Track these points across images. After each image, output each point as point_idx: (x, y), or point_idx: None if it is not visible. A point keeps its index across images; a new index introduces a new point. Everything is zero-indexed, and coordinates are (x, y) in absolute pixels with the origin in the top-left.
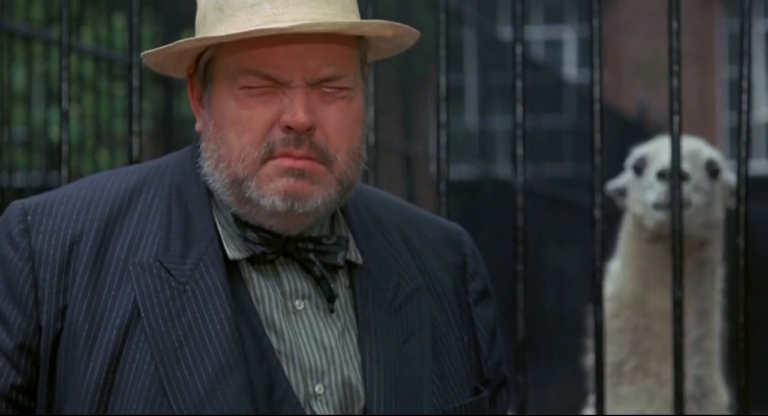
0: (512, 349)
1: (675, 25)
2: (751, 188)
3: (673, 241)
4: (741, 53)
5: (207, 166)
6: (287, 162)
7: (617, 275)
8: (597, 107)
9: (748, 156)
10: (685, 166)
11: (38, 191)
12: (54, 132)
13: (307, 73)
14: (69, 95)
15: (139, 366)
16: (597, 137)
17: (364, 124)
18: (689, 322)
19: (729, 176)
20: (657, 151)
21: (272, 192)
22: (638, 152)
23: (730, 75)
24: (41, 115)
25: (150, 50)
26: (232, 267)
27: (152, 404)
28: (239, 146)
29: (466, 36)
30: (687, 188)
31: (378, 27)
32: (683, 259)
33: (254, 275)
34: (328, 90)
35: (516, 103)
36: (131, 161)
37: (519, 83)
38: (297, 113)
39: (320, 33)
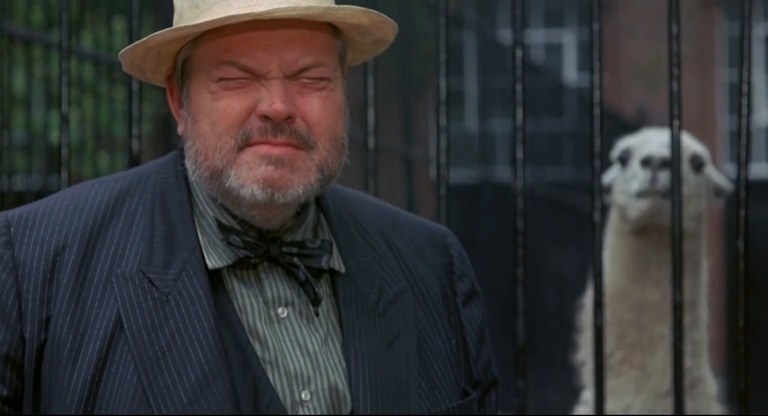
0: (512, 352)
1: (675, 28)
2: (750, 191)
3: (673, 244)
4: (741, 57)
5: (189, 165)
6: (265, 148)
7: (605, 269)
8: (597, 110)
9: (748, 160)
10: (668, 152)
11: (38, 194)
12: (54, 135)
13: (285, 65)
14: (69, 99)
15: (122, 376)
16: (597, 140)
17: (346, 116)
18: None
19: (712, 172)
20: (642, 141)
21: (251, 181)
22: (623, 143)
23: (730, 78)
24: (41, 118)
25: (126, 47)
26: (214, 277)
27: (136, 413)
28: (215, 136)
29: (466, 39)
30: (668, 175)
31: (353, 13)
32: (682, 262)
33: (237, 284)
34: (306, 80)
35: (516, 106)
36: (131, 165)
37: (519, 87)
38: (274, 103)
39: (298, 21)
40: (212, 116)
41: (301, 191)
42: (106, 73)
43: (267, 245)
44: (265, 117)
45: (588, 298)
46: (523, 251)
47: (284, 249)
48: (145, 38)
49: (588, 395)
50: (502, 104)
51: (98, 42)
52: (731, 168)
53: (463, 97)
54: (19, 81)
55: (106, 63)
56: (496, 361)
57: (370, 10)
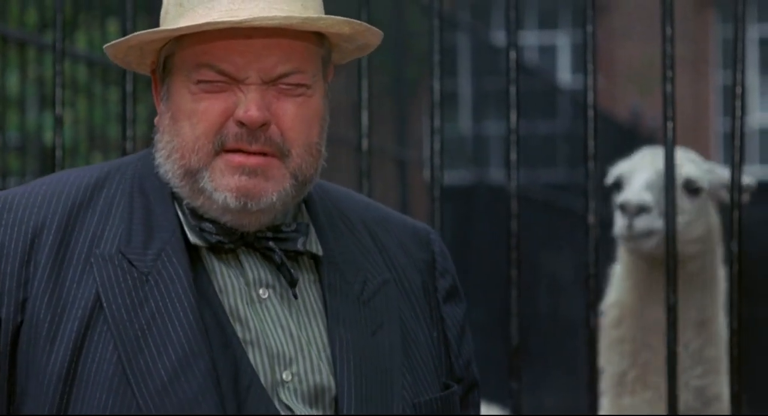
0: (506, 354)
1: (669, 30)
2: (744, 193)
3: (667, 248)
4: (735, 59)
5: (159, 156)
6: (238, 158)
7: (618, 282)
8: (591, 112)
9: (741, 162)
10: (646, 196)
11: None
12: (48, 137)
13: (263, 71)
14: (63, 100)
15: (102, 355)
16: (591, 142)
17: (325, 121)
18: (688, 334)
19: (723, 173)
20: (632, 171)
21: (225, 188)
22: (616, 170)
23: (724, 81)
24: (35, 119)
25: (110, 43)
26: (195, 257)
27: (116, 393)
28: (193, 137)
29: (460, 41)
30: (646, 219)
31: (334, 23)
32: (677, 266)
33: (217, 265)
34: (284, 87)
35: (510, 108)
36: None
37: (513, 89)
38: (250, 109)
39: (278, 29)
40: (192, 117)
41: (275, 198)
42: (100, 74)
43: (240, 232)
44: (241, 123)
45: (606, 305)
46: (517, 253)
47: (259, 234)
48: (126, 37)
49: (605, 402)
50: (496, 106)
51: (92, 43)
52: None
53: (457, 98)
54: (13, 82)
55: (100, 64)
56: (490, 362)
57: (353, 20)
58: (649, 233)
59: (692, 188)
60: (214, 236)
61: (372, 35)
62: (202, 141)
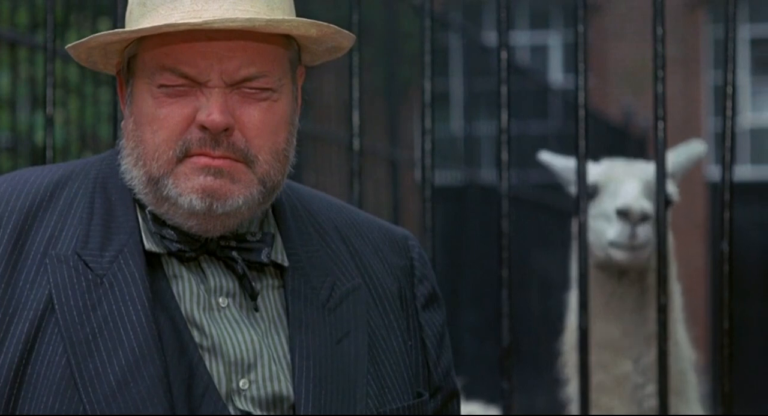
0: (497, 354)
1: (660, 30)
2: (735, 193)
3: (659, 246)
4: (726, 59)
5: (125, 164)
6: (204, 160)
7: (573, 305)
8: (582, 112)
9: (732, 161)
10: (646, 204)
11: None
12: (39, 137)
13: (225, 74)
14: (54, 100)
15: (51, 358)
16: (582, 142)
17: (292, 125)
18: (639, 348)
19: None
20: (609, 179)
21: (189, 190)
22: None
23: (715, 80)
24: (26, 119)
25: (72, 43)
26: (155, 263)
27: (62, 396)
28: (154, 145)
29: (452, 41)
30: (647, 229)
31: (300, 25)
32: (667, 267)
33: (178, 271)
34: (248, 90)
35: (501, 108)
36: None
37: (504, 89)
38: (212, 113)
39: (242, 31)
40: (153, 124)
41: (241, 202)
42: (92, 74)
43: (203, 238)
44: (203, 127)
45: (572, 313)
46: (508, 253)
47: (222, 243)
48: (86, 39)
49: (573, 408)
50: (487, 106)
51: None
52: (716, 170)
53: (448, 99)
54: (4, 82)
55: None
56: (481, 362)
57: (320, 22)
58: (648, 243)
59: (667, 201)
60: (174, 243)
61: (343, 38)
62: (163, 148)
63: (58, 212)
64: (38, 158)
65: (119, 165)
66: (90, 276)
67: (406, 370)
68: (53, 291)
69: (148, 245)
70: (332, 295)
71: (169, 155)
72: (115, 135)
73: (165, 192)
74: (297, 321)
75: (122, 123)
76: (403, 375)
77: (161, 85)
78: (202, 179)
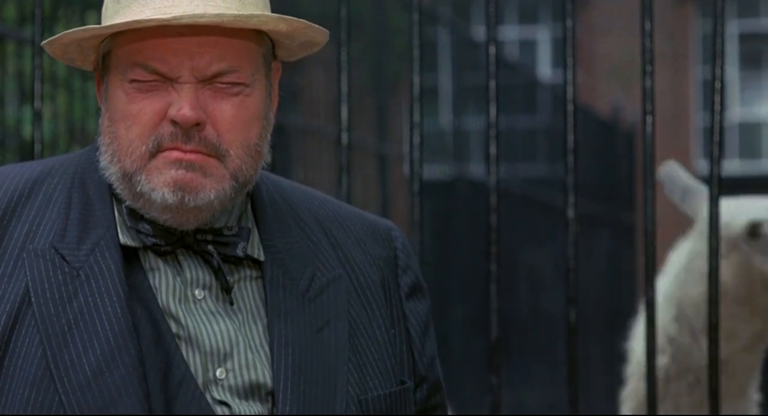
0: (485, 349)
1: (648, 25)
2: (723, 188)
3: (646, 240)
4: (714, 54)
5: (102, 160)
6: (176, 154)
7: (691, 299)
8: (570, 107)
9: (720, 156)
10: None
11: None
12: (27, 131)
13: (196, 70)
14: (42, 94)
15: (27, 350)
16: (570, 137)
17: (266, 121)
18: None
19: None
20: None
21: (162, 184)
22: (747, 215)
23: (703, 75)
24: (14, 114)
25: (47, 40)
26: (132, 256)
27: (38, 388)
28: (127, 140)
29: (440, 36)
30: None
31: (268, 20)
32: (655, 260)
33: (155, 263)
34: (220, 86)
35: (489, 103)
36: None
37: (492, 83)
38: (183, 108)
39: (213, 27)
40: (126, 119)
41: (213, 196)
42: (80, 68)
43: (179, 232)
44: (174, 122)
45: (635, 341)
46: (497, 247)
47: (198, 237)
48: (58, 35)
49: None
50: (476, 101)
51: None
52: (704, 165)
53: (437, 93)
54: None
55: None
56: (470, 357)
57: (290, 17)
58: None
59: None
60: (150, 237)
61: (315, 33)
62: (136, 144)
63: (36, 207)
64: (26, 152)
65: (98, 161)
66: (66, 269)
67: (389, 359)
68: (30, 284)
69: (124, 239)
70: (312, 285)
71: (142, 150)
72: None
73: (138, 188)
74: (275, 310)
75: (99, 119)
76: (386, 364)
77: (133, 81)
78: (173, 173)
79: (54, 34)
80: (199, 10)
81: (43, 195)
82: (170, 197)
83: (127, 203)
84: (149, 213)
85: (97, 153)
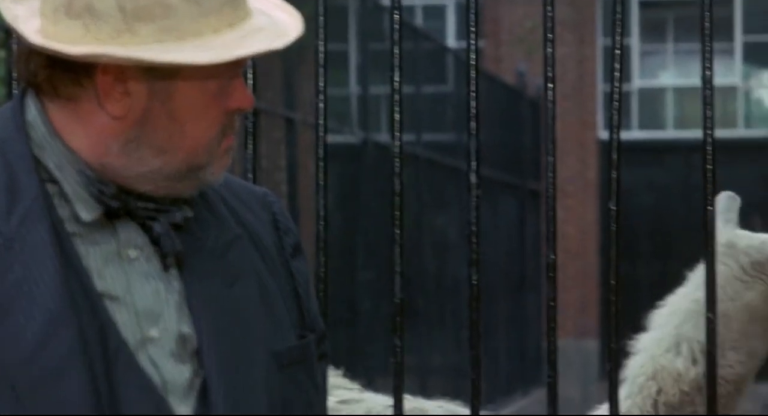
0: (391, 313)
1: None
2: (625, 154)
3: (546, 206)
4: (614, 21)
5: (146, 155)
6: (229, 140)
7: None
8: (473, 72)
9: (620, 123)
10: None
11: None
12: None
13: (243, 63)
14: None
15: None
16: (473, 103)
17: None
18: None
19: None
20: None
21: (220, 169)
22: None
23: (606, 44)
24: None
25: (90, 52)
26: (60, 226)
27: None
28: (207, 139)
29: (350, 3)
30: None
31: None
32: (555, 223)
33: (84, 228)
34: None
35: (393, 69)
36: None
37: (396, 50)
38: (248, 96)
39: None
40: (202, 117)
41: None
42: None
43: (125, 199)
44: (238, 110)
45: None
46: (400, 212)
47: (141, 204)
48: (103, 51)
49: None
50: (384, 68)
51: None
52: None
53: (346, 60)
54: None
55: None
56: (376, 321)
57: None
58: None
59: None
60: (113, 200)
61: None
62: (209, 137)
63: None
64: None
65: (22, 128)
66: (1, 241)
67: (289, 313)
68: None
69: (81, 212)
70: (217, 244)
71: (214, 144)
72: (9, 97)
73: (206, 178)
74: (189, 269)
75: (113, 111)
76: (288, 318)
77: (207, 81)
78: (227, 158)
79: None
80: (265, 41)
81: None
82: (220, 179)
83: (78, 169)
84: (144, 187)
85: (24, 112)
